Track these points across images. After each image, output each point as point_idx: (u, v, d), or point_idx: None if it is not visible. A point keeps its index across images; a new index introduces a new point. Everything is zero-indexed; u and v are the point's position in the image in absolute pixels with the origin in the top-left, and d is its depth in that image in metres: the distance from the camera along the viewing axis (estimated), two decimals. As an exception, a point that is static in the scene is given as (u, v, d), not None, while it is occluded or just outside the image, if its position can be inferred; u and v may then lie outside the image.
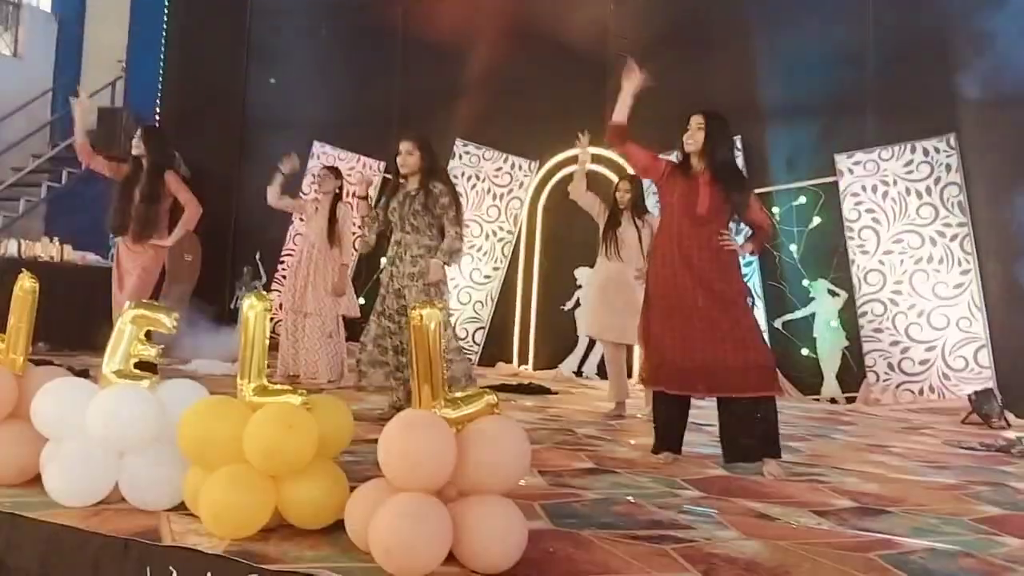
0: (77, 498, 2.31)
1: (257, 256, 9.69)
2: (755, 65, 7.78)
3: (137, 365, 2.48)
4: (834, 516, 2.90)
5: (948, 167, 7.01)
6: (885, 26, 7.32)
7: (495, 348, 8.56)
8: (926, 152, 7.10)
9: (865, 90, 7.38)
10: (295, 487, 2.18)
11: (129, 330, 2.47)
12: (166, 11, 10.43)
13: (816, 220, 7.41)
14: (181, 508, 2.36)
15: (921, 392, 6.91)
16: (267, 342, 2.31)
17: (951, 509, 3.13)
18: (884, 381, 7.03)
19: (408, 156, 4.44)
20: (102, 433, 2.29)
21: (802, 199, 7.47)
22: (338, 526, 2.20)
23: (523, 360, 8.42)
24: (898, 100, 7.22)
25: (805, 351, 7.36)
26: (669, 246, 3.72)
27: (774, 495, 3.18)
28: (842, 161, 7.36)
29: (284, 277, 9.37)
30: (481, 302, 8.66)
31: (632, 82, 3.79)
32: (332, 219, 6.15)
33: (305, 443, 2.15)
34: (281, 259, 9.52)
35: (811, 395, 7.26)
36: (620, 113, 3.80)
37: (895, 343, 7.05)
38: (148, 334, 2.55)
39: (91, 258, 8.32)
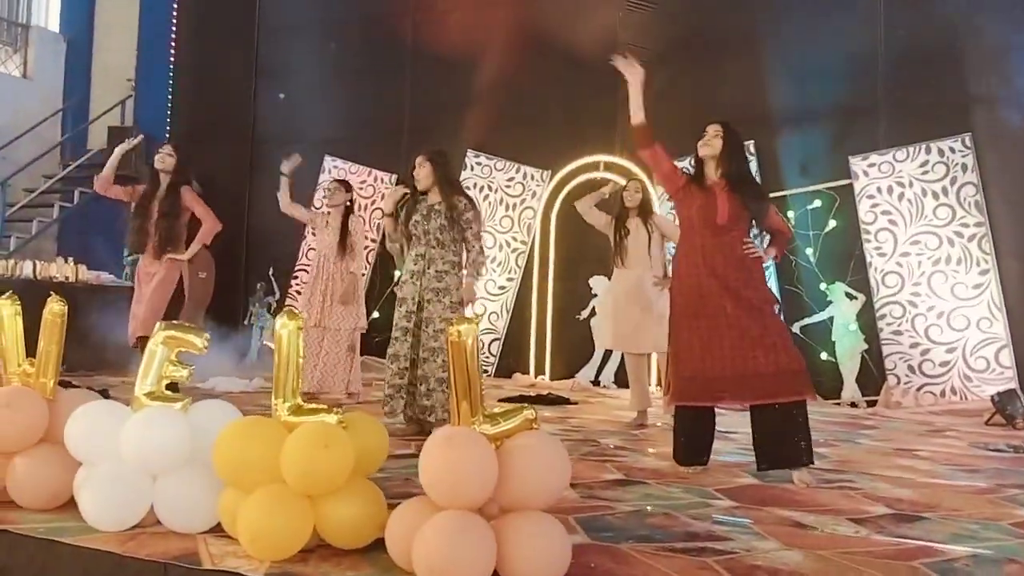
0: (113, 522, 2.29)
1: (270, 272, 9.69)
2: (766, 70, 7.77)
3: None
4: (871, 523, 2.86)
5: (964, 167, 6.97)
6: (896, 27, 7.30)
7: (511, 359, 8.54)
8: (941, 152, 7.07)
9: (878, 92, 7.35)
10: (333, 506, 2.16)
11: (160, 351, 2.45)
12: (174, 29, 10.48)
13: (832, 223, 7.38)
14: (217, 530, 2.34)
15: (943, 394, 6.86)
16: (301, 361, 2.29)
17: (988, 514, 3.09)
18: (905, 384, 6.97)
19: (420, 169, 4.51)
20: (136, 457, 2.28)
21: (817, 203, 7.44)
22: (377, 545, 2.18)
23: (540, 371, 8.39)
24: (911, 101, 7.19)
25: (824, 355, 7.31)
26: (693, 257, 3.67)
27: (808, 503, 3.15)
28: (857, 163, 7.33)
29: (299, 292, 9.39)
30: (496, 313, 8.64)
31: (634, 76, 3.73)
32: (344, 232, 6.13)
33: (342, 462, 2.13)
34: (295, 274, 9.53)
35: (831, 400, 7.20)
36: (637, 113, 3.73)
37: (915, 345, 7.00)
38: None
39: (106, 277, 8.34)
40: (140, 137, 5.62)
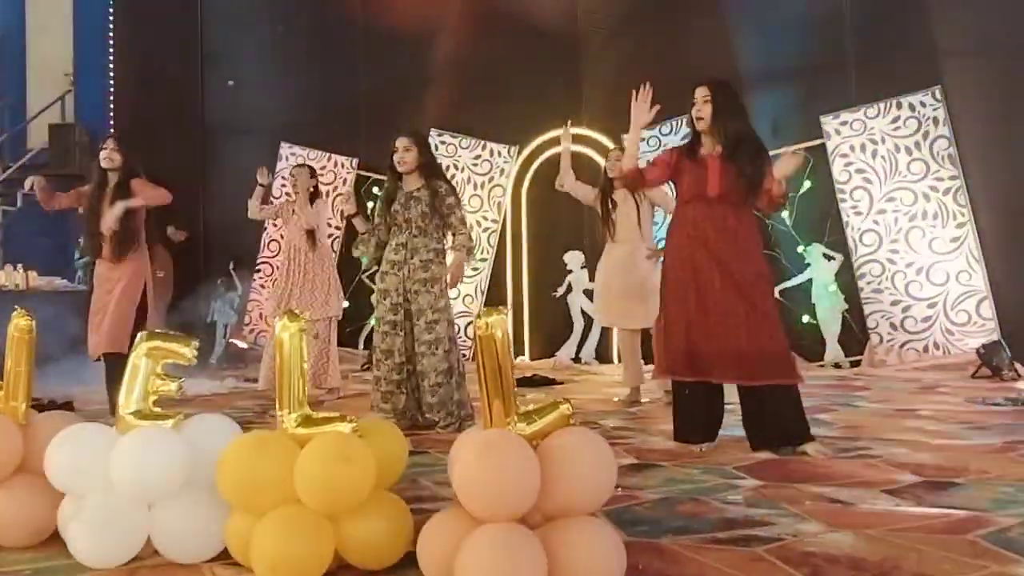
0: (108, 558, 2.06)
1: (231, 267, 9.35)
2: (731, 30, 7.64)
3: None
4: (907, 494, 2.74)
5: (936, 121, 6.93)
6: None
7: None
8: (912, 107, 7.02)
9: (845, 48, 7.27)
10: (356, 525, 1.96)
11: (144, 364, 2.21)
12: (111, 18, 9.98)
13: (807, 184, 7.30)
14: (223, 557, 2.13)
15: (926, 349, 6.86)
16: (305, 365, 2.08)
17: (1020, 474, 3.00)
18: (888, 342, 6.95)
19: (406, 153, 4.25)
20: (129, 483, 2.05)
21: (790, 164, 7.34)
22: (405, 563, 1.99)
23: (519, 351, 8.23)
24: (880, 56, 7.12)
25: (805, 318, 7.26)
26: (684, 229, 3.55)
27: (835, 476, 3.03)
28: (828, 122, 7.25)
29: (263, 287, 9.08)
30: (470, 295, 8.44)
31: (641, 118, 3.57)
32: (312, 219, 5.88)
33: (364, 476, 1.92)
34: (257, 268, 9.20)
35: (814, 362, 7.16)
36: (631, 158, 3.65)
37: (896, 302, 6.97)
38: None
39: (59, 283, 7.94)
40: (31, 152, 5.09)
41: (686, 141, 3.69)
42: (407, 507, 2.08)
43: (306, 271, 5.85)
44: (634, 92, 3.59)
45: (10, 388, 2.35)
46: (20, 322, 2.34)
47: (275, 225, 8.85)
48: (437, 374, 4.12)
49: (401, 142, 4.27)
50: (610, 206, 5.18)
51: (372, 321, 5.74)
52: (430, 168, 4.33)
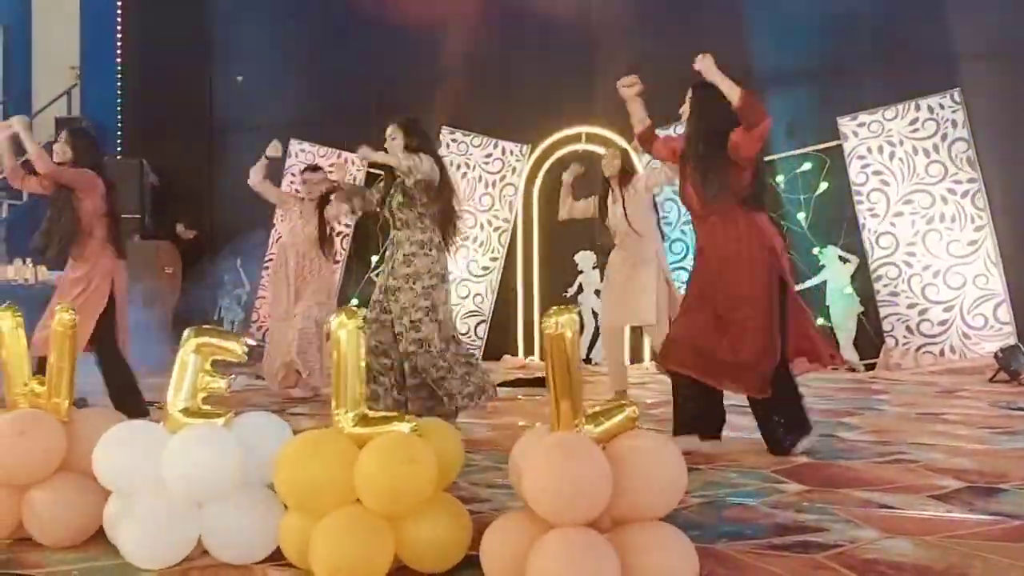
0: (158, 559, 2.01)
1: (238, 263, 9.29)
2: (748, 30, 7.59)
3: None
4: (955, 500, 2.71)
5: (954, 123, 6.90)
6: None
7: (499, 340, 8.30)
8: (931, 109, 6.99)
9: (863, 50, 7.23)
10: (416, 527, 1.92)
11: (193, 361, 2.16)
12: (119, 11, 9.91)
13: (823, 186, 7.27)
14: (274, 558, 2.08)
15: (942, 353, 6.83)
16: (363, 364, 2.03)
17: (1063, 480, 2.97)
18: (904, 345, 6.92)
19: (391, 142, 4.01)
20: (181, 483, 2.00)
21: (807, 165, 7.32)
22: (463, 566, 1.95)
23: (529, 351, 8.18)
24: (898, 58, 7.09)
25: (820, 320, 7.22)
26: (699, 238, 3.50)
27: (877, 481, 2.99)
28: (845, 124, 7.22)
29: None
30: (481, 295, 8.38)
31: (631, 89, 3.66)
32: (322, 224, 5.78)
33: (428, 477, 1.88)
34: (265, 264, 9.13)
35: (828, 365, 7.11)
36: (637, 122, 3.67)
37: (912, 305, 6.95)
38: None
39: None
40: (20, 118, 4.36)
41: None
42: (466, 509, 2.04)
43: (308, 274, 5.73)
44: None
45: (52, 384, 2.30)
46: (63, 317, 2.29)
47: (283, 220, 8.78)
48: (437, 370, 3.94)
49: (388, 130, 4.04)
50: (604, 213, 5.08)
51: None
52: (412, 152, 3.99)
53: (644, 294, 4.89)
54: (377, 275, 4.29)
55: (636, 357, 7.39)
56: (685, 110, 3.44)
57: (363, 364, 2.03)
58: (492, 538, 1.84)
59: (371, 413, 2.01)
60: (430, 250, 4.01)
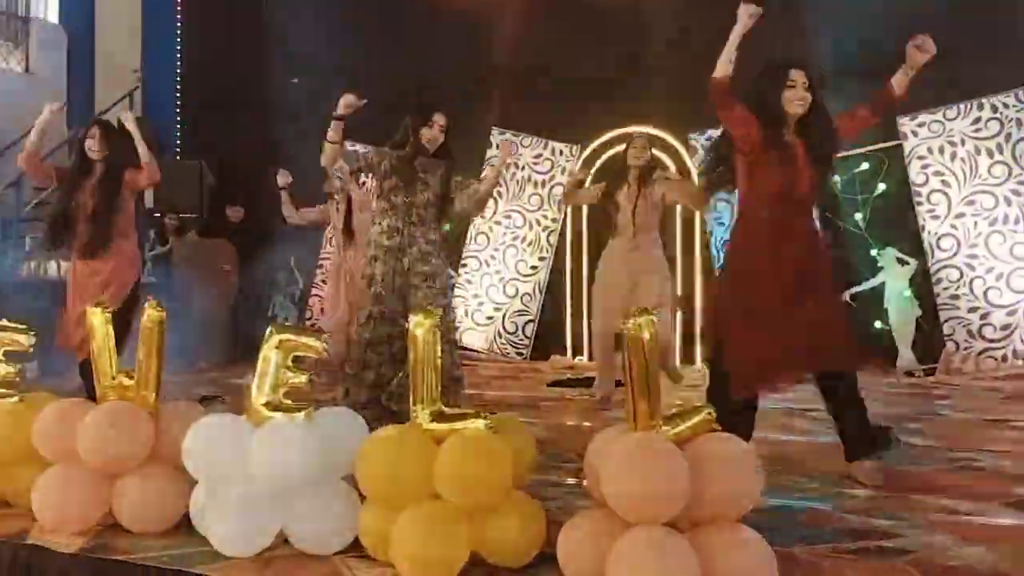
0: (243, 547, 2.09)
1: (292, 261, 9.44)
2: (805, 27, 7.49)
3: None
4: (1030, 507, 2.67)
5: (1019, 122, 6.73)
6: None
7: (547, 340, 8.31)
8: (995, 108, 6.83)
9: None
10: (493, 522, 1.96)
11: (275, 356, 2.23)
12: (179, 15, 10.15)
13: (881, 187, 7.14)
14: (352, 549, 2.14)
15: (1004, 359, 6.66)
16: (439, 361, 2.07)
17: None
18: (965, 349, 6.77)
19: (442, 133, 3.83)
20: (267, 475, 2.07)
21: (865, 165, 7.20)
22: (539, 562, 1.98)
23: (577, 351, 8.18)
24: (961, 56, 6.90)
25: (877, 323, 7.11)
26: (763, 237, 3.08)
27: (947, 487, 2.95)
28: (905, 124, 7.09)
29: (324, 282, 9.16)
30: (529, 294, 8.40)
31: (745, 18, 3.12)
32: (349, 214, 5.81)
33: (506, 473, 1.92)
34: (319, 263, 9.28)
35: (886, 369, 7.00)
36: (725, 63, 3.08)
37: (974, 309, 6.79)
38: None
39: (130, 275, 8.07)
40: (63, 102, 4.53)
41: (762, 121, 3.06)
42: (540, 505, 2.07)
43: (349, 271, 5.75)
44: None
45: (141, 378, 2.39)
46: (152, 313, 2.37)
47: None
48: (448, 378, 3.45)
49: (440, 118, 3.83)
50: (628, 197, 4.76)
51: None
52: (449, 152, 3.88)
53: (647, 298, 4.63)
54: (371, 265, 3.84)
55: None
56: (806, 95, 3.05)
57: (439, 362, 2.07)
58: (569, 535, 1.87)
59: (447, 409, 2.06)
60: (440, 252, 3.89)
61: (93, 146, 4.19)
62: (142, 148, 4.30)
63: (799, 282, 3.07)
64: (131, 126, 4.31)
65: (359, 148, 4.02)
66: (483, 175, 3.92)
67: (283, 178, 5.72)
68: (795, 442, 3.62)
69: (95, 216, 4.16)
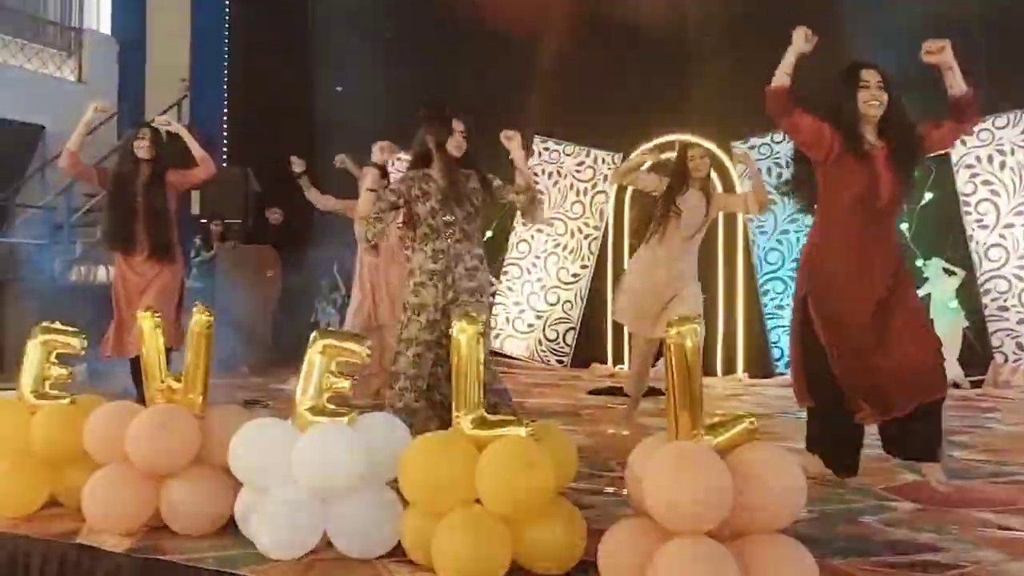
0: (288, 550, 2.12)
1: (335, 268, 9.55)
2: (850, 36, 7.40)
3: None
4: (1081, 524, 2.60)
5: (1070, 132, 6.59)
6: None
7: (588, 348, 8.30)
8: (1045, 117, 6.69)
9: (973, 56, 6.93)
10: (534, 529, 1.97)
11: (319, 361, 2.27)
12: (227, 26, 10.36)
13: (928, 196, 7.01)
14: (393, 554, 2.16)
15: (1055, 372, 6.51)
16: (481, 368, 2.09)
17: None
18: (1014, 362, 6.63)
19: (464, 141, 3.59)
20: (312, 479, 2.11)
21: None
22: (579, 569, 1.99)
23: (618, 360, 8.15)
24: (1010, 63, 6.79)
25: (923, 334, 6.98)
26: (843, 246, 3.01)
27: (995, 501, 2.89)
28: (953, 132, 6.96)
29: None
30: (570, 302, 8.41)
31: (801, 42, 3.16)
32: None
33: (547, 480, 1.94)
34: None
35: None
36: (781, 75, 3.09)
37: (1023, 321, 6.65)
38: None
39: (177, 280, 8.24)
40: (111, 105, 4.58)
41: (838, 126, 3.00)
42: (580, 513, 2.08)
43: (377, 277, 5.75)
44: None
45: (189, 381, 2.44)
46: (200, 317, 2.43)
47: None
48: (488, 393, 3.25)
49: (459, 124, 3.60)
50: (676, 205, 4.52)
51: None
52: (478, 161, 3.64)
53: (683, 305, 4.48)
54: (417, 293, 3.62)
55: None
56: (882, 96, 3.02)
57: (480, 368, 2.09)
58: (610, 543, 1.87)
59: (489, 416, 2.07)
60: (486, 266, 3.72)
61: (142, 146, 4.27)
62: (194, 145, 4.46)
63: (886, 297, 2.97)
64: (176, 127, 4.51)
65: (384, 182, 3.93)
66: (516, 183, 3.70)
67: (298, 166, 5.76)
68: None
69: (150, 218, 4.25)
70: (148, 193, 4.27)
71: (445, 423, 3.20)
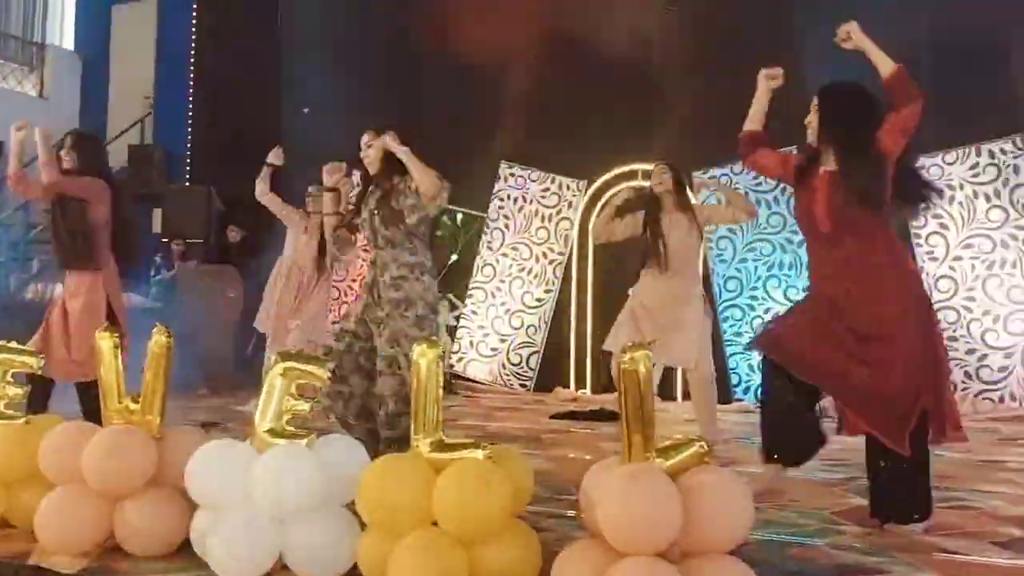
0: (243, 571, 2.13)
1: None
2: (805, 73, 7.61)
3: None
4: (1018, 547, 2.71)
5: (1016, 168, 6.83)
6: (940, 27, 7.15)
7: (551, 373, 8.36)
8: (992, 154, 6.93)
9: (923, 93, 7.20)
10: (489, 551, 2.00)
11: (280, 384, 2.29)
12: (193, 45, 10.34)
13: (880, 228, 7.22)
14: (350, 574, 2.17)
15: (1001, 400, 6.70)
16: (440, 392, 2.13)
17: None
18: (963, 390, 6.80)
19: (368, 149, 3.58)
20: (269, 500, 2.11)
21: (864, 207, 7.29)
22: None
23: (581, 384, 8.22)
24: (958, 102, 7.03)
25: (876, 363, 7.15)
26: (812, 276, 3.05)
27: (940, 526, 2.97)
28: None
29: (329, 310, 9.21)
30: (534, 326, 8.46)
31: (769, 81, 3.23)
32: (322, 243, 5.82)
33: (503, 502, 1.97)
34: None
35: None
36: (753, 120, 3.23)
37: (971, 351, 6.84)
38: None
39: (136, 299, 8.15)
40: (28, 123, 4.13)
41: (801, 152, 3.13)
42: (537, 535, 2.11)
43: (303, 293, 5.85)
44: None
45: (146, 403, 2.44)
46: (160, 338, 2.43)
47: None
48: (396, 400, 3.33)
49: (364, 138, 3.61)
50: (656, 229, 4.55)
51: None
52: (396, 164, 3.52)
53: (683, 333, 4.50)
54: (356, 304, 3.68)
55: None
56: (812, 119, 3.04)
57: (440, 392, 2.12)
58: (563, 565, 1.91)
59: (447, 439, 2.11)
60: (422, 274, 3.53)
61: (65, 155, 4.05)
62: (43, 154, 4.01)
63: (850, 329, 2.84)
64: (37, 131, 4.06)
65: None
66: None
67: (276, 157, 5.73)
68: (792, 479, 3.64)
69: (65, 230, 3.98)
70: (62, 203, 4.01)
71: (375, 438, 3.36)
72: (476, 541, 1.99)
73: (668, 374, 7.84)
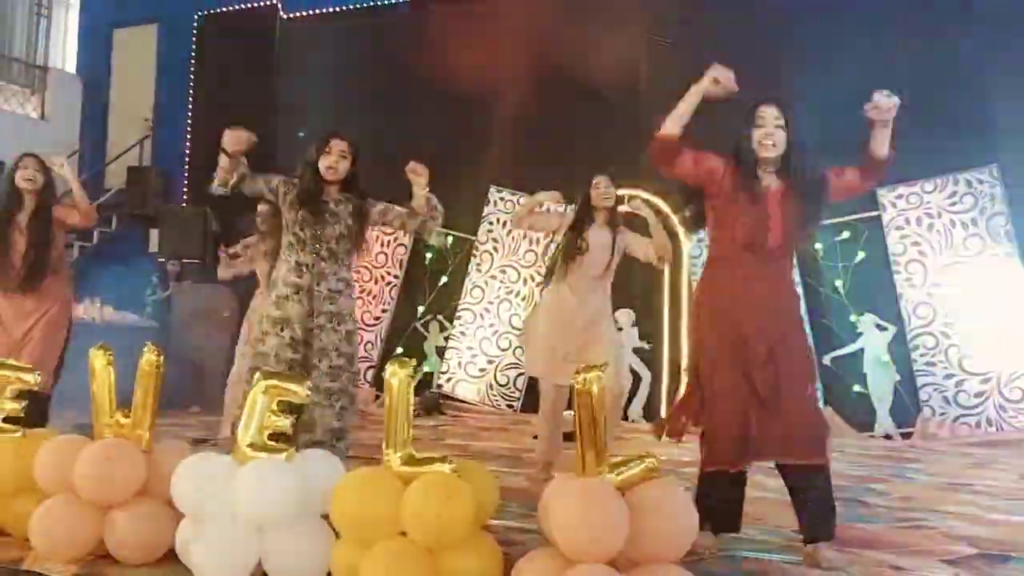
0: (223, 578, 2.26)
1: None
2: (790, 100, 7.81)
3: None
4: (965, 565, 2.84)
5: (992, 197, 7.03)
6: (917, 57, 7.35)
7: (538, 394, 8.45)
8: (969, 183, 7.13)
9: (902, 123, 7.37)
10: (454, 559, 2.14)
11: (261, 401, 2.43)
12: (192, 68, 10.56)
13: (860, 255, 7.40)
14: (324, 584, 2.31)
15: (978, 425, 6.85)
16: (411, 409, 2.27)
17: (1076, 552, 3.07)
18: (940, 416, 6.96)
19: (342, 160, 3.58)
20: (249, 510, 2.25)
21: (845, 234, 7.47)
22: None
23: (567, 406, 8.34)
24: (937, 132, 7.23)
25: (856, 387, 7.30)
26: (729, 287, 2.89)
27: (893, 544, 3.12)
28: (884, 195, 7.38)
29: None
30: (522, 348, 8.58)
31: (713, 84, 3.00)
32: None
33: (467, 513, 2.11)
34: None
35: (864, 432, 7.17)
36: (673, 122, 2.96)
37: (949, 376, 7.00)
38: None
39: (131, 318, 8.31)
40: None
41: (735, 164, 2.94)
42: (498, 545, 2.25)
43: None
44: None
45: (136, 417, 2.58)
46: (150, 356, 2.58)
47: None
48: (325, 432, 3.36)
49: (338, 145, 3.60)
50: (580, 242, 4.27)
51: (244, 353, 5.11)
52: (358, 183, 3.64)
53: (600, 346, 4.22)
54: (272, 301, 3.56)
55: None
56: (778, 135, 2.93)
57: (411, 410, 2.27)
58: (521, 571, 2.05)
59: (416, 454, 2.25)
60: (351, 292, 3.60)
61: (27, 176, 4.13)
62: (77, 188, 4.33)
63: (769, 348, 2.82)
64: (65, 170, 4.31)
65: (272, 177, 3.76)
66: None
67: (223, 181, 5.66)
68: (758, 498, 3.77)
69: (28, 251, 4.07)
70: (30, 225, 4.11)
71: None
72: (441, 550, 2.13)
73: (654, 397, 8.00)
